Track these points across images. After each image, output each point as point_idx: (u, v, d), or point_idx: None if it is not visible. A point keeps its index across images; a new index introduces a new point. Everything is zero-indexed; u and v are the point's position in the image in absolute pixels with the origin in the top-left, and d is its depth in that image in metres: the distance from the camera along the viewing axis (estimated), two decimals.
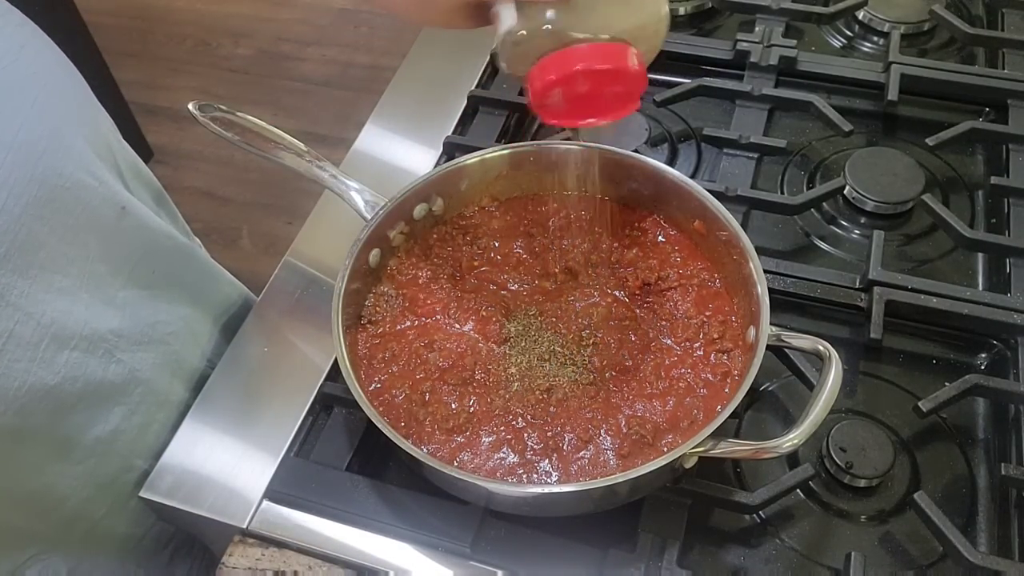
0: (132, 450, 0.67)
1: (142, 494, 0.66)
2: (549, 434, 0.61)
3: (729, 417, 0.56)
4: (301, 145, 0.71)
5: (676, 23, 1.03)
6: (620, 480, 0.55)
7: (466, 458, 0.61)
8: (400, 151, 0.89)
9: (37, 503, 0.62)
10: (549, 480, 0.60)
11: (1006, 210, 0.81)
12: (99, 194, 0.60)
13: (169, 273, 0.70)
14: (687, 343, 0.66)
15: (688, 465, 0.58)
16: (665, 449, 0.60)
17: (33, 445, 0.59)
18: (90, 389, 0.62)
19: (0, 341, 0.53)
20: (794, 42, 0.94)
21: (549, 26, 0.55)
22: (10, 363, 0.54)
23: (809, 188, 0.85)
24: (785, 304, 0.75)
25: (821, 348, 0.60)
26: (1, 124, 0.52)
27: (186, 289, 0.73)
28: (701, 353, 0.65)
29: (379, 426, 0.58)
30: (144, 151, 2.23)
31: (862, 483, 0.64)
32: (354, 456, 0.67)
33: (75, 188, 0.57)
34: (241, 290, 0.82)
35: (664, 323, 0.68)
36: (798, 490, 0.65)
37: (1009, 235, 0.78)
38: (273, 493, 0.65)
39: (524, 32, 0.56)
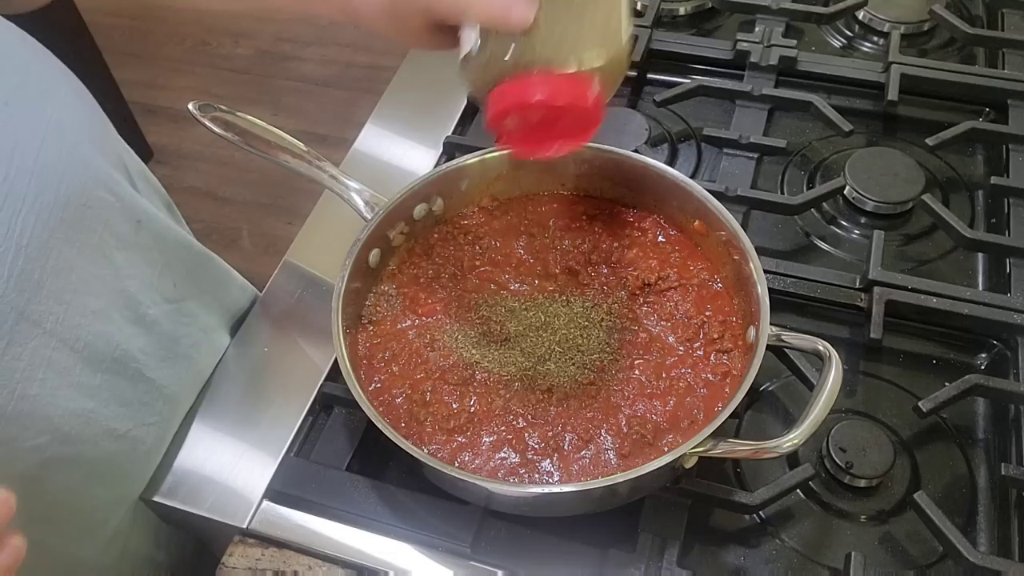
0: (160, 465, 0.68)
1: (141, 495, 0.66)
2: (550, 434, 0.61)
3: (729, 417, 0.56)
4: (301, 145, 0.71)
5: (676, 23, 1.03)
6: (620, 480, 0.55)
7: (467, 458, 0.61)
8: (400, 151, 0.89)
9: (80, 526, 0.62)
10: (550, 480, 0.60)
11: (1006, 210, 0.81)
12: (117, 210, 0.59)
13: (189, 284, 0.70)
14: (687, 343, 0.66)
15: (688, 465, 0.58)
16: (666, 449, 0.60)
17: (75, 470, 0.59)
18: (123, 410, 0.62)
19: (41, 370, 0.53)
20: (794, 42, 0.94)
21: (511, 52, 0.56)
22: (53, 391, 0.54)
23: (809, 188, 0.85)
24: (785, 304, 0.75)
25: (821, 348, 0.60)
26: (22, 148, 0.51)
27: (205, 299, 0.73)
28: (701, 353, 0.65)
29: (379, 426, 0.58)
30: (144, 151, 2.23)
31: (862, 483, 0.64)
32: (354, 456, 0.67)
33: (96, 206, 0.56)
34: (251, 293, 0.81)
35: (664, 323, 0.68)
36: (798, 490, 0.65)
37: (1009, 235, 0.78)
38: (273, 493, 0.65)
39: (486, 56, 0.56)
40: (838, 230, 0.83)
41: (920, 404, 0.66)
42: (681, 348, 0.66)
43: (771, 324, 0.61)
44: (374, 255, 0.69)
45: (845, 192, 0.83)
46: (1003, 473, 0.63)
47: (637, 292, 0.69)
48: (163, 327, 0.65)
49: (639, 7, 1.03)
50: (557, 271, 0.71)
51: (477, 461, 0.61)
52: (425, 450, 0.60)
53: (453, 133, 0.89)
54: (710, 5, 1.03)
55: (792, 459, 0.66)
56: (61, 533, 0.61)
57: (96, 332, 0.57)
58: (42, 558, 0.60)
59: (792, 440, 0.56)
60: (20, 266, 0.50)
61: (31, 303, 0.51)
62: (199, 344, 0.71)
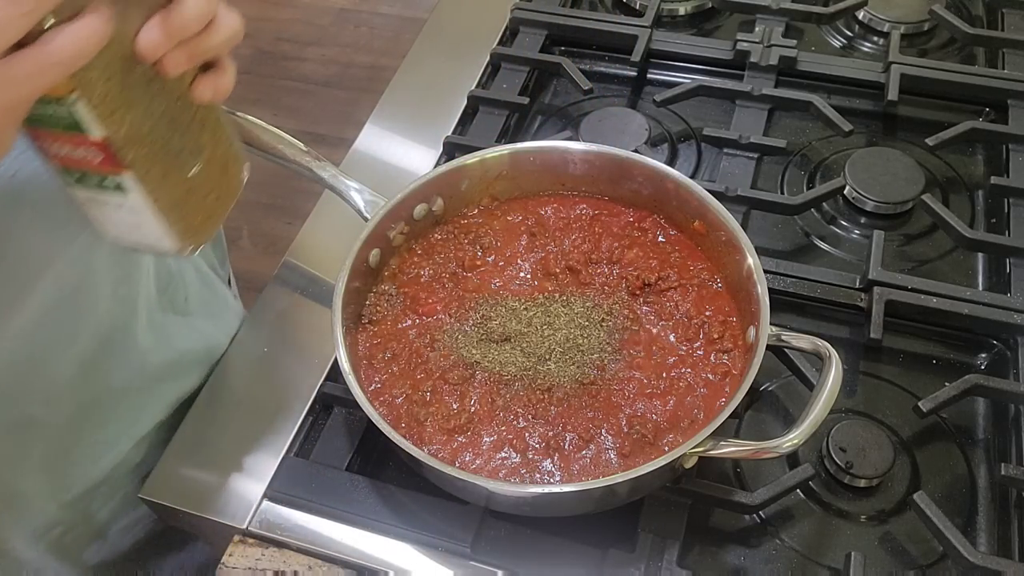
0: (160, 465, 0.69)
1: (141, 494, 0.66)
2: (550, 434, 0.61)
3: (729, 417, 0.56)
4: (301, 145, 0.71)
5: (676, 23, 1.03)
6: (620, 480, 0.55)
7: (467, 458, 0.61)
8: (400, 151, 0.89)
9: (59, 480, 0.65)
10: (552, 480, 0.60)
11: (1006, 210, 0.81)
12: None
13: (198, 301, 0.73)
14: (687, 343, 0.66)
15: (688, 465, 0.58)
16: (666, 448, 0.60)
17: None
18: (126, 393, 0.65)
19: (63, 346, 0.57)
20: (794, 42, 0.94)
21: None
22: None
23: (809, 188, 0.85)
24: (785, 304, 0.75)
25: (821, 348, 0.60)
26: None
27: (210, 321, 0.74)
28: (701, 353, 0.65)
29: (379, 426, 0.58)
30: None
31: (862, 483, 0.64)
32: (354, 456, 0.67)
33: None
34: (241, 319, 0.80)
35: (664, 323, 0.68)
36: (798, 490, 0.65)
37: (1009, 235, 0.78)
38: (273, 493, 0.65)
39: None
40: (838, 230, 0.83)
41: (920, 404, 0.66)
42: (681, 348, 0.66)
43: (771, 324, 0.61)
44: (374, 255, 0.69)
45: (845, 192, 0.83)
46: (1003, 473, 0.63)
47: (637, 292, 0.69)
48: (170, 335, 0.69)
49: (638, 7, 1.03)
50: (557, 271, 0.71)
51: (478, 461, 0.61)
52: (425, 450, 0.60)
53: (453, 133, 0.89)
54: (710, 5, 1.02)
55: (792, 459, 0.66)
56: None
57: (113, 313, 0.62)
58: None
59: (792, 440, 0.56)
60: None
61: None
62: (191, 364, 0.72)
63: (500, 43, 0.98)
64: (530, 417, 0.62)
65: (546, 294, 0.70)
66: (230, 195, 0.54)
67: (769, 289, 0.63)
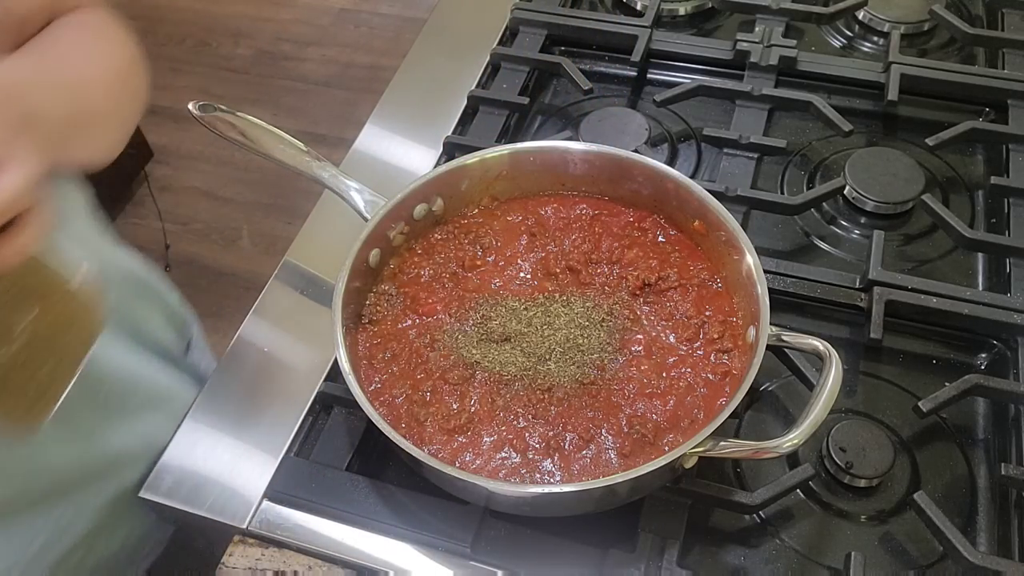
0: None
1: (142, 495, 0.66)
2: (551, 434, 0.61)
3: (729, 417, 0.56)
4: (301, 145, 0.71)
5: (676, 23, 1.03)
6: (620, 480, 0.55)
7: (468, 458, 0.61)
8: (400, 151, 0.89)
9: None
10: (552, 480, 0.60)
11: (1006, 210, 0.81)
12: None
13: (144, 396, 0.71)
14: (687, 343, 0.66)
15: (688, 465, 0.58)
16: (666, 448, 0.60)
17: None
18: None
19: None
20: (794, 42, 0.94)
21: None
22: None
23: (809, 188, 0.85)
24: (785, 304, 0.75)
25: (821, 348, 0.60)
26: None
27: (155, 413, 0.71)
28: (701, 353, 0.65)
29: (379, 426, 0.58)
30: (144, 151, 2.23)
31: (862, 483, 0.64)
32: (354, 456, 0.67)
33: None
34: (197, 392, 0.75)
35: (664, 323, 0.68)
36: (798, 490, 0.65)
37: (1009, 235, 0.78)
38: (273, 493, 0.65)
39: None
40: (838, 230, 0.83)
41: (920, 404, 0.66)
42: (681, 348, 0.66)
43: (771, 324, 0.61)
44: (374, 255, 0.69)
45: (845, 192, 0.83)
46: (1003, 473, 0.63)
47: (637, 292, 0.69)
48: (104, 433, 0.67)
49: (638, 7, 1.03)
50: (557, 271, 0.71)
51: (478, 461, 0.61)
52: (425, 450, 0.60)
53: (453, 133, 0.89)
54: (710, 5, 1.02)
55: (792, 459, 0.66)
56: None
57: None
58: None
59: (792, 440, 0.56)
60: None
61: None
62: (129, 461, 0.69)
63: (500, 43, 0.98)
64: (530, 417, 0.62)
65: (546, 294, 0.70)
66: (77, 353, 0.47)
67: (769, 289, 0.63)
